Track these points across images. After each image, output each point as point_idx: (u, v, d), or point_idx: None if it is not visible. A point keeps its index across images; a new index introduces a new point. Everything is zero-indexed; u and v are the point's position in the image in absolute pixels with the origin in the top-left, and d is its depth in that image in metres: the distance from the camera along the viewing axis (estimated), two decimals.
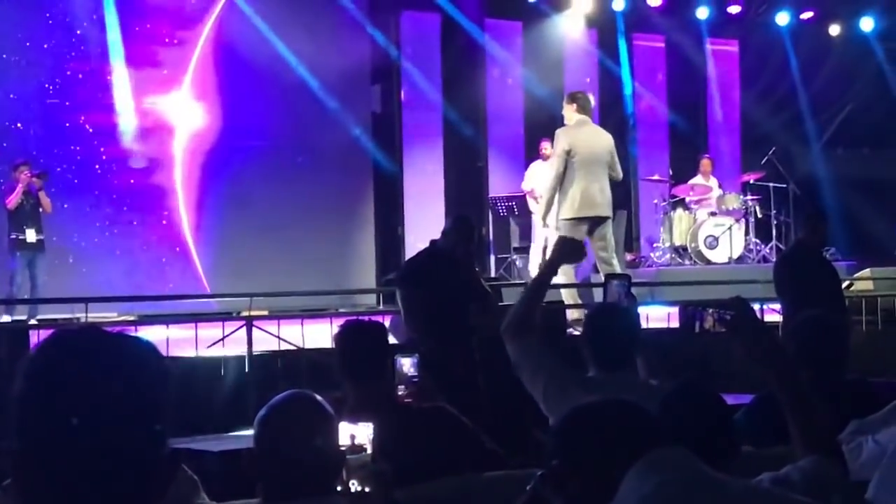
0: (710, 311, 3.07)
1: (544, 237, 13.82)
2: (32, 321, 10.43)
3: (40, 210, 11.79)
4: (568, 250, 4.88)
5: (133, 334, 1.68)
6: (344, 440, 3.69)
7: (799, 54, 17.89)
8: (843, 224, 15.44)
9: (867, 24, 17.84)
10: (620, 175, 10.68)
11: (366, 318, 5.54)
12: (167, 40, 13.56)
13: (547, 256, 10.73)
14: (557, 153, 10.27)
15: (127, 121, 13.30)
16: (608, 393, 3.35)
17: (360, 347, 4.36)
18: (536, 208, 13.67)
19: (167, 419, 1.61)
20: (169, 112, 13.61)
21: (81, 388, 1.57)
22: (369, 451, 3.86)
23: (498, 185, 15.58)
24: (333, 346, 4.48)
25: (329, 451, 2.86)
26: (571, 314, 9.68)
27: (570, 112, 10.44)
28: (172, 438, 1.64)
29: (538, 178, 14.07)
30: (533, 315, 4.61)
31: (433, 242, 7.45)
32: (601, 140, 10.39)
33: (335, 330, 4.61)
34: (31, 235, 11.65)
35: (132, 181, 13.38)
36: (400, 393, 4.45)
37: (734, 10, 17.25)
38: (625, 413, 2.39)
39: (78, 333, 1.66)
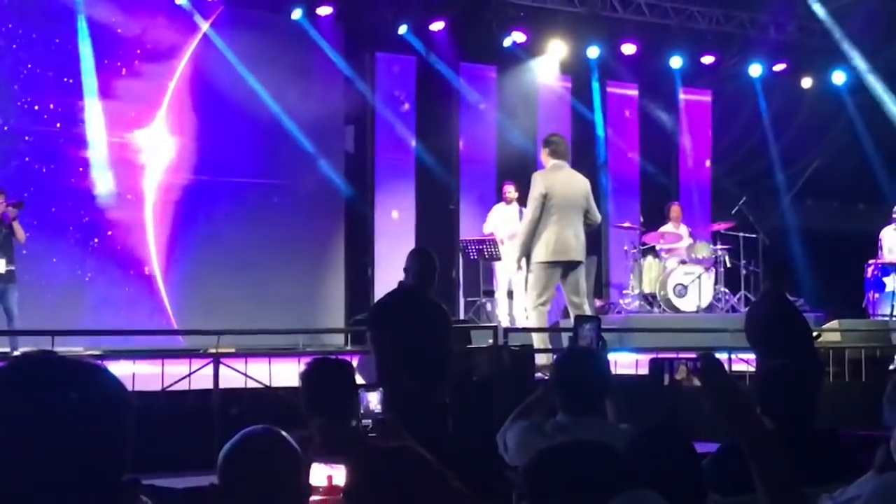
0: (685, 362, 3.07)
1: (508, 280, 13.85)
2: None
3: (13, 240, 11.63)
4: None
5: (89, 360, 1.66)
6: (320, 480, 3.66)
7: (771, 106, 18.05)
8: (812, 275, 15.53)
9: (839, 77, 18.03)
10: (598, 219, 10.71)
11: (333, 356, 5.50)
12: (141, 75, 13.54)
13: (525, 298, 10.74)
14: (534, 197, 10.28)
15: (98, 154, 13.25)
16: (576, 437, 3.34)
17: (325, 384, 4.34)
18: (501, 251, 13.72)
19: (125, 445, 1.59)
20: (141, 147, 13.58)
21: (34, 413, 1.55)
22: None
23: (469, 228, 15.60)
24: (299, 383, 4.45)
25: (294, 486, 2.83)
26: (540, 359, 9.66)
27: (544, 156, 10.48)
28: (136, 474, 1.61)
29: (499, 221, 14.13)
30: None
31: (401, 283, 7.45)
32: (577, 184, 10.41)
33: (303, 368, 4.59)
34: (0, 266, 11.48)
35: (102, 215, 13.32)
36: (365, 428, 4.42)
37: (707, 60, 17.39)
38: (594, 455, 2.38)
39: (32, 360, 1.65)
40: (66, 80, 13.11)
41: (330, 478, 3.82)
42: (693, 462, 3.19)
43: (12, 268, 11.60)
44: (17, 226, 11.59)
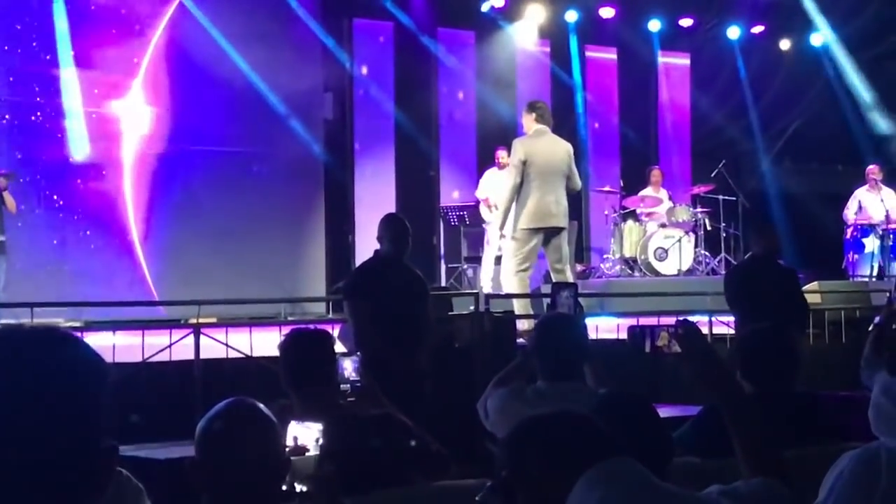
0: (666, 329, 3.08)
1: (497, 246, 13.85)
2: None
3: (4, 210, 11.55)
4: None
5: (61, 329, 1.67)
6: (289, 441, 3.67)
7: (749, 68, 18.05)
8: (792, 237, 15.57)
9: (817, 38, 18.03)
10: (579, 185, 10.75)
11: (312, 326, 5.50)
12: (117, 44, 13.44)
13: (502, 265, 10.76)
14: (514, 163, 10.29)
15: (75, 125, 13.17)
16: (555, 403, 3.35)
17: (304, 356, 4.34)
18: (490, 217, 13.70)
19: (102, 411, 1.60)
20: (118, 116, 13.50)
21: (6, 383, 1.56)
22: (312, 452, 3.85)
23: (449, 195, 15.58)
24: (278, 355, 4.46)
25: (272, 457, 2.83)
26: (522, 325, 9.69)
27: (528, 121, 10.47)
28: (117, 444, 1.62)
29: (492, 186, 14.10)
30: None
31: (377, 252, 7.46)
32: (558, 150, 10.41)
33: (281, 340, 4.59)
34: None
35: (80, 186, 13.25)
36: (343, 394, 4.43)
37: (686, 23, 17.37)
38: (574, 424, 2.39)
39: (2, 332, 1.65)
40: (42, 51, 12.99)
41: (296, 438, 3.83)
42: (656, 425, 3.20)
43: (3, 238, 11.53)
44: (7, 196, 11.51)
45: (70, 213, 13.15)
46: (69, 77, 13.10)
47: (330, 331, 5.03)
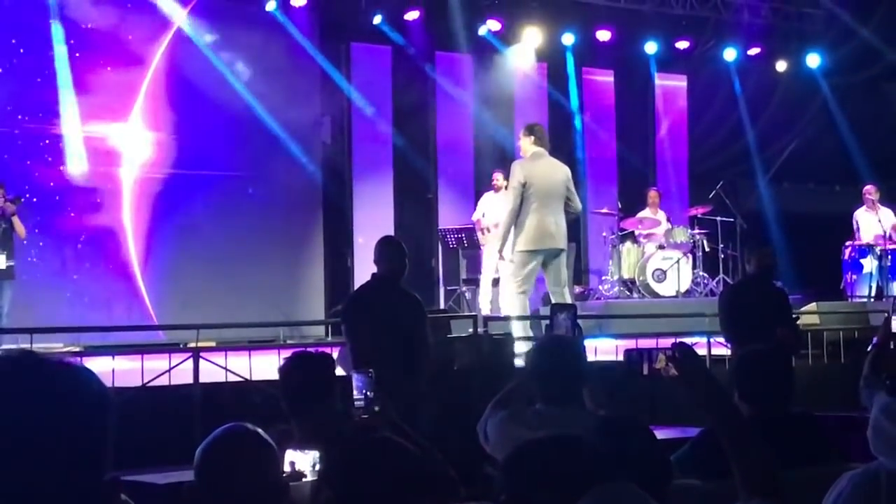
0: (664, 351, 3.09)
1: (493, 268, 13.86)
2: None
3: (13, 235, 11.50)
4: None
5: (70, 360, 1.66)
6: (285, 467, 3.67)
7: (746, 89, 18.10)
8: (789, 258, 15.59)
9: (813, 60, 18.08)
10: (579, 206, 10.80)
11: (313, 349, 5.50)
12: (115, 68, 13.47)
13: (501, 287, 10.75)
14: (514, 185, 10.33)
15: (74, 150, 13.19)
16: (554, 426, 3.35)
17: (304, 379, 4.34)
18: (484, 239, 13.72)
19: (106, 445, 1.59)
20: (117, 141, 13.52)
21: (14, 414, 1.55)
22: (309, 478, 3.85)
23: (448, 217, 15.60)
24: (279, 378, 4.46)
25: (270, 483, 2.83)
26: (521, 347, 9.68)
27: (527, 144, 10.50)
28: (117, 471, 1.62)
29: (489, 209, 14.13)
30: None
31: (374, 275, 7.48)
32: (557, 172, 10.46)
33: (281, 364, 4.59)
34: (0, 262, 11.33)
35: (79, 211, 13.26)
36: (357, 409, 4.42)
37: (683, 45, 17.42)
38: (572, 448, 2.40)
39: (13, 360, 1.64)
40: (41, 76, 13.02)
41: (293, 463, 3.83)
42: (654, 448, 3.21)
43: (12, 263, 11.45)
44: (16, 221, 11.45)
45: (69, 238, 13.16)
46: (68, 101, 13.12)
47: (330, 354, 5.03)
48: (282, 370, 4.45)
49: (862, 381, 4.92)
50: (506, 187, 13.90)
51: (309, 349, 5.35)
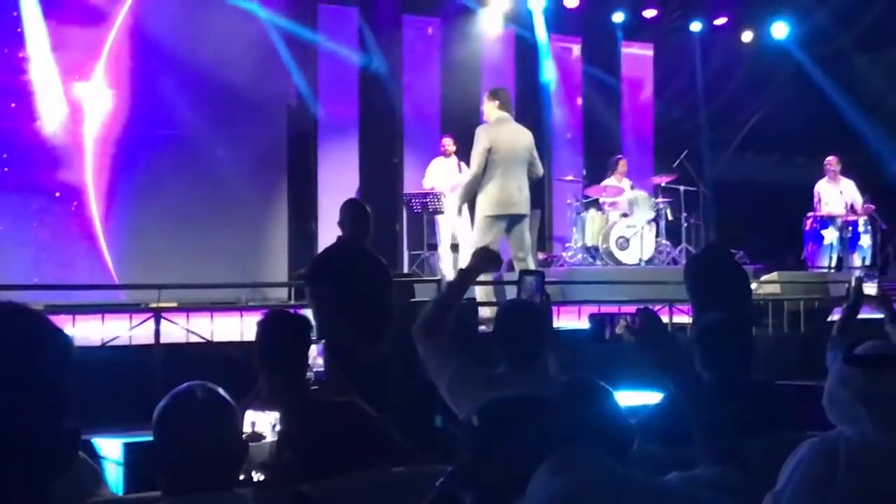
0: (624, 316, 3.10)
1: (450, 234, 13.86)
2: None
3: None
4: (485, 259, 4.93)
5: (27, 306, 1.65)
6: (246, 427, 3.66)
7: (712, 59, 18.13)
8: (752, 228, 15.66)
9: (779, 30, 18.12)
10: (541, 172, 10.79)
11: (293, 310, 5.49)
12: (79, 26, 13.31)
13: (459, 253, 10.77)
14: (479, 151, 10.30)
15: (34, 106, 13.05)
16: (516, 388, 3.35)
17: (281, 335, 4.34)
18: (444, 205, 13.73)
19: (68, 393, 1.58)
20: (80, 99, 13.38)
21: None
22: (269, 439, 3.84)
23: (413, 182, 15.56)
24: (255, 332, 4.44)
25: (230, 442, 2.81)
26: (484, 312, 9.70)
27: (491, 108, 10.47)
28: (79, 426, 1.61)
29: (439, 174, 14.12)
30: (445, 318, 4.62)
31: (339, 238, 7.45)
32: (522, 138, 10.45)
33: (245, 323, 4.57)
34: None
35: (39, 169, 13.13)
36: (307, 381, 4.43)
37: (650, 14, 17.42)
38: (540, 409, 2.40)
39: None
40: (6, 33, 12.87)
41: (253, 423, 3.83)
42: (617, 413, 3.21)
43: None
44: None
45: (28, 197, 13.04)
46: (35, 56, 12.96)
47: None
48: (260, 323, 4.45)
49: (829, 342, 4.97)
50: (455, 152, 13.96)
51: (289, 310, 5.35)
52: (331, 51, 15.35)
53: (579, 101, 17.85)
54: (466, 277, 4.80)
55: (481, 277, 10.17)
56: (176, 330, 8.13)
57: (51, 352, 1.60)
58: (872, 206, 15.08)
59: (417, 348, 4.61)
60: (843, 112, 17.98)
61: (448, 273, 13.09)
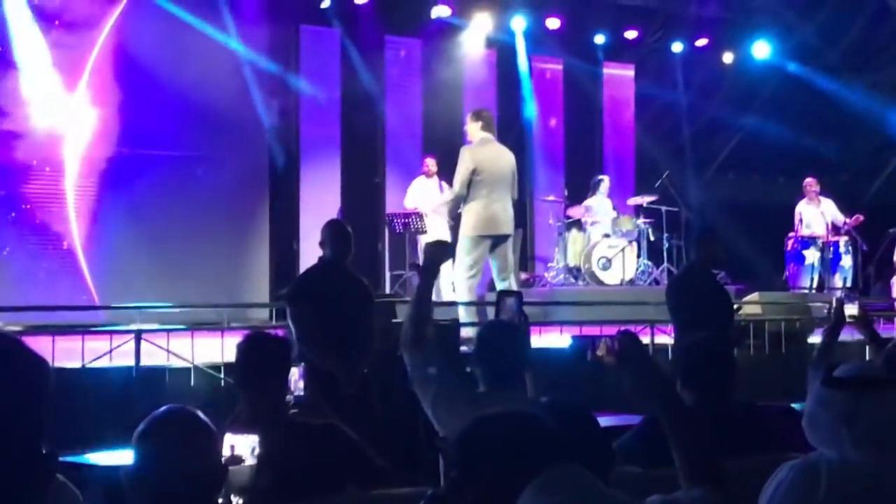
0: (605, 339, 3.09)
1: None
2: None
3: None
4: (440, 251, 4.97)
5: (5, 332, 1.64)
6: (225, 450, 3.64)
7: (693, 80, 18.22)
8: (733, 249, 15.71)
9: (760, 51, 18.20)
10: (516, 195, 10.85)
11: (274, 332, 5.48)
12: (61, 45, 13.28)
13: (440, 274, 10.75)
14: (462, 171, 10.37)
15: (16, 125, 13.01)
16: (497, 409, 3.33)
17: (262, 357, 4.34)
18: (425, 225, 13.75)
19: (43, 417, 1.57)
20: (62, 118, 13.34)
21: None
22: (249, 462, 3.83)
23: (395, 202, 15.56)
24: (235, 354, 4.43)
25: (209, 466, 2.80)
26: (466, 332, 9.69)
27: (474, 129, 10.53)
28: (57, 450, 1.60)
29: (420, 195, 14.13)
30: (423, 327, 4.62)
31: (321, 258, 7.45)
32: (505, 159, 10.54)
33: (226, 344, 4.56)
34: None
35: (20, 188, 13.08)
36: (287, 404, 4.42)
37: (631, 35, 17.50)
38: (527, 427, 2.39)
39: None
40: None
41: (233, 447, 3.82)
42: (597, 435, 3.21)
43: None
44: None
45: (9, 216, 12.99)
46: (10, 75, 12.93)
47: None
48: (241, 345, 4.44)
49: (810, 363, 4.98)
50: (437, 173, 13.98)
51: (270, 332, 5.35)
52: (313, 71, 15.35)
53: (561, 121, 17.89)
54: (428, 273, 4.81)
55: (466, 298, 10.20)
56: (157, 351, 8.10)
57: (25, 376, 1.59)
58: (861, 217, 15.14)
59: (405, 360, 4.62)
60: (822, 132, 18.04)
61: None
